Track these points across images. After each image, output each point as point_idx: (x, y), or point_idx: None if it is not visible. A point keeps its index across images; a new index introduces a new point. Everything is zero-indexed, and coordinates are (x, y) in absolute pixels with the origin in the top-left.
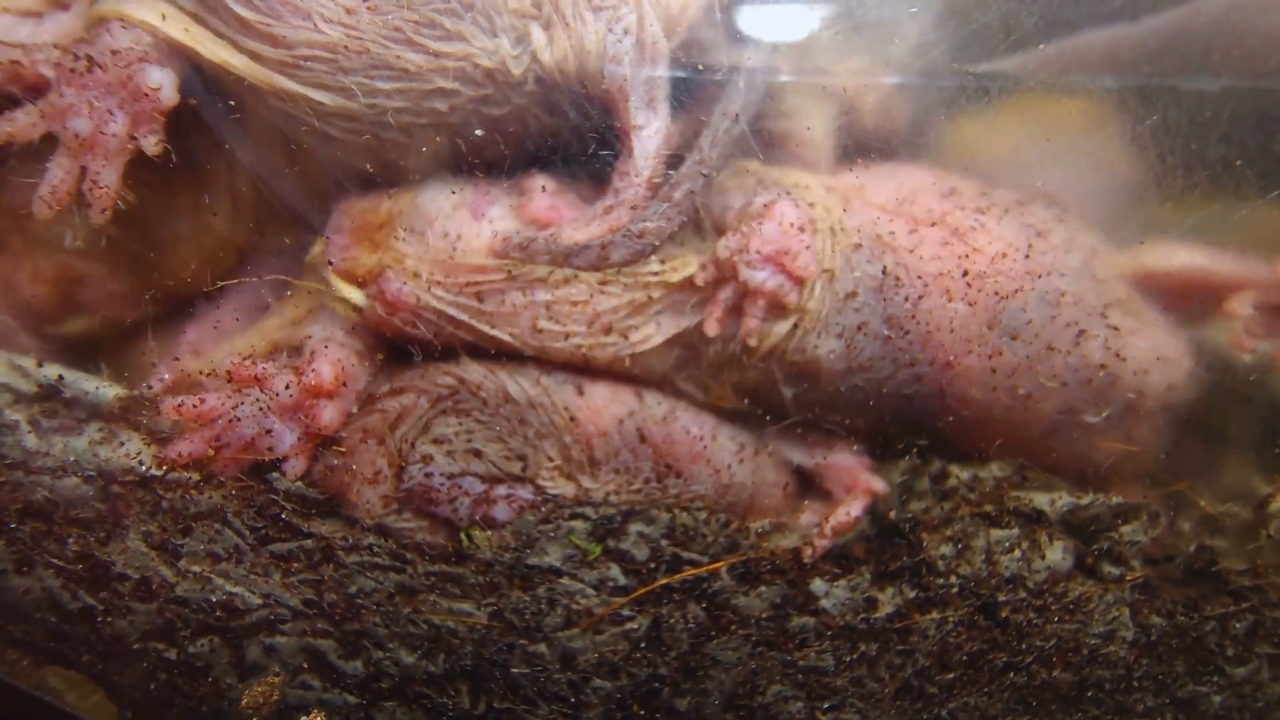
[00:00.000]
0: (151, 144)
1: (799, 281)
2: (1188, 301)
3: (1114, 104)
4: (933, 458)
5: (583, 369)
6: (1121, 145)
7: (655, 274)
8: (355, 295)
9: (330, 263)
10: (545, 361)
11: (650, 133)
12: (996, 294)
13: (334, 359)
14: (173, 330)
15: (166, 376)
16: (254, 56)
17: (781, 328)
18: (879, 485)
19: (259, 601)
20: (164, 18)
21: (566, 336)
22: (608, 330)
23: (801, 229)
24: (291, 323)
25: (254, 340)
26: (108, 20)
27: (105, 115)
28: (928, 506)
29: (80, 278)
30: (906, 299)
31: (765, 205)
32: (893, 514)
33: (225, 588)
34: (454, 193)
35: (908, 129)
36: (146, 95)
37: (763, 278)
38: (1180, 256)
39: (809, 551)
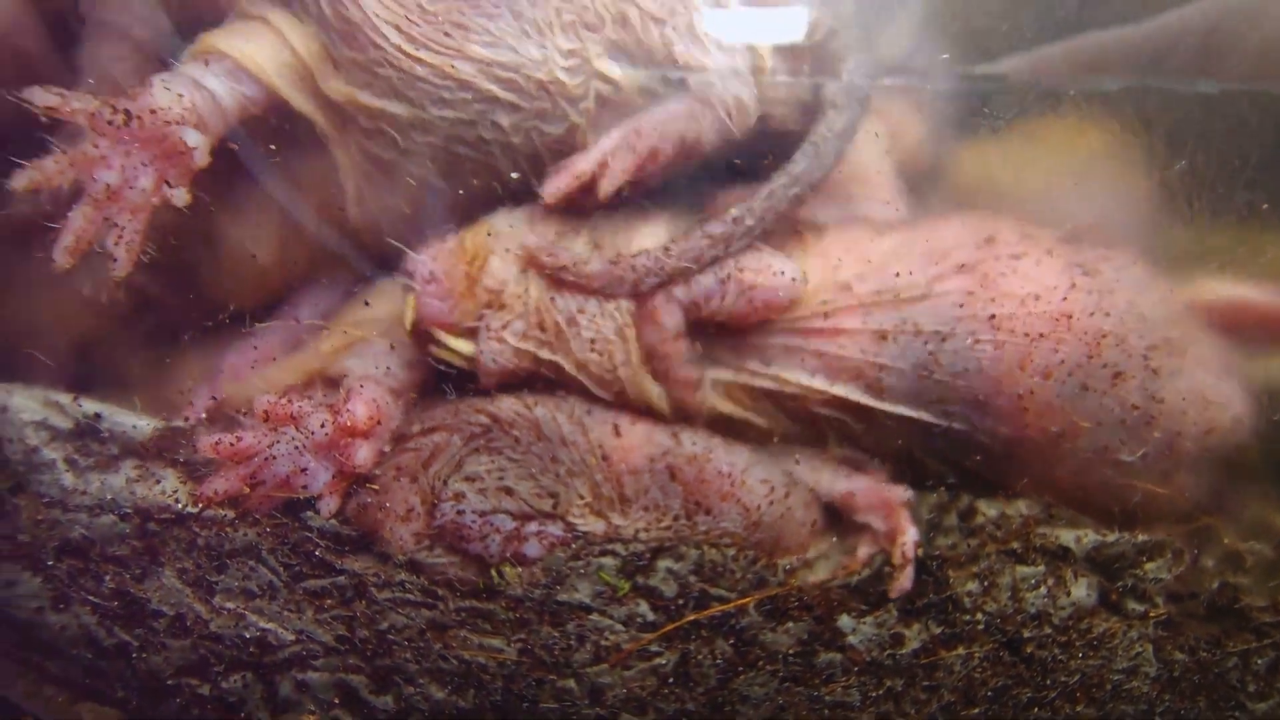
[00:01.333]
0: (180, 195)
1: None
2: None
3: (1143, 133)
4: (961, 494)
5: (624, 406)
6: (1152, 173)
7: None
8: (464, 346)
9: (429, 316)
10: (585, 397)
11: None
12: (1027, 335)
13: (369, 398)
14: (206, 359)
15: (204, 414)
16: (338, 67)
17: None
18: (903, 493)
19: (292, 637)
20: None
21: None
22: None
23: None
24: (327, 355)
25: (289, 374)
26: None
27: (135, 170)
28: (954, 543)
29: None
30: (935, 340)
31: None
32: (920, 550)
33: (259, 624)
34: (511, 226)
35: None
36: (181, 154)
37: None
38: (1230, 288)
39: (896, 588)
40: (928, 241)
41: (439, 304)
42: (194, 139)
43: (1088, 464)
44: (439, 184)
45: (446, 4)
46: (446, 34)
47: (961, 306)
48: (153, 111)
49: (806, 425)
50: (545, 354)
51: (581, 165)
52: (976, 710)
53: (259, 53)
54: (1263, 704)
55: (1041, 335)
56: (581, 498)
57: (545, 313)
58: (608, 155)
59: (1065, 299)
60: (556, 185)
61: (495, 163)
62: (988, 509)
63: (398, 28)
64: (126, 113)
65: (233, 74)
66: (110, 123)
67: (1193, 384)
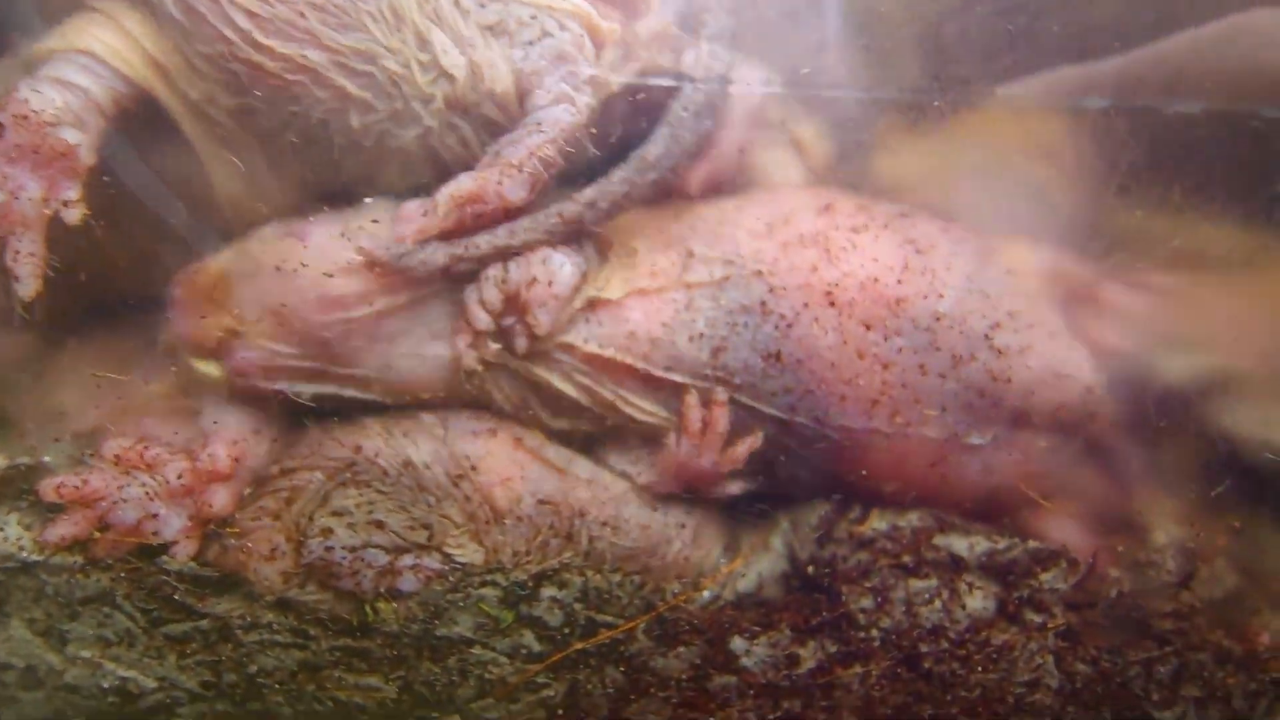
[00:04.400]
0: (74, 216)
1: (531, 335)
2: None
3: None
4: (853, 505)
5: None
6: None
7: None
8: (211, 369)
9: (170, 337)
10: (444, 413)
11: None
12: (864, 323)
13: (229, 439)
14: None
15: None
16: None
17: None
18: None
19: (154, 685)
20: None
21: (424, 360)
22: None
23: (540, 284)
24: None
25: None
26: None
27: (20, 181)
28: (844, 555)
29: None
30: (776, 327)
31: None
32: (810, 569)
33: (117, 672)
34: (262, 243)
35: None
36: (64, 155)
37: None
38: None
39: None
40: (769, 206)
41: (184, 324)
42: (74, 137)
43: (941, 454)
44: (292, 182)
45: None
46: (301, 14)
47: (806, 285)
48: (24, 117)
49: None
50: (329, 365)
51: (428, 224)
52: None
53: (121, 45)
54: (1168, 712)
55: (879, 322)
56: (456, 524)
57: (332, 320)
58: (452, 209)
59: (900, 281)
60: (403, 233)
61: (346, 166)
62: (879, 521)
63: (249, 11)
64: None
65: (94, 69)
66: None
67: (1043, 359)
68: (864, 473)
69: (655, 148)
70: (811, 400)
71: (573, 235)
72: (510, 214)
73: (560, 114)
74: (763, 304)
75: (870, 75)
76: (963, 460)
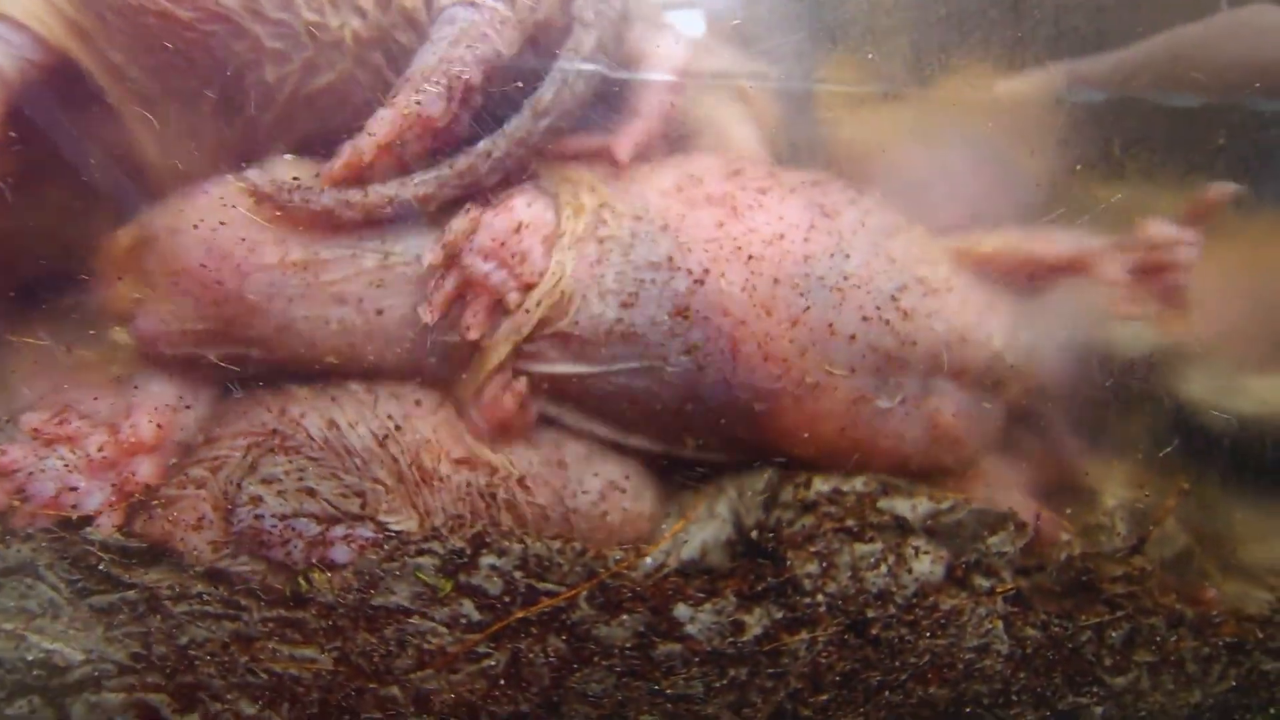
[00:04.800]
0: None
1: (524, 284)
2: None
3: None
4: (797, 471)
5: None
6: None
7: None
8: (123, 337)
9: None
10: (370, 379)
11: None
12: (774, 278)
13: (153, 408)
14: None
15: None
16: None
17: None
18: None
19: (81, 657)
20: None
21: (326, 322)
22: (379, 313)
23: (529, 228)
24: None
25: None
26: None
27: None
28: (789, 519)
29: None
30: (683, 283)
31: (505, 197)
32: (755, 534)
33: (42, 645)
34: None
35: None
36: None
37: (487, 270)
38: (998, 239)
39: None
40: (681, 168)
41: (103, 290)
42: None
43: (851, 415)
44: (215, 142)
45: None
46: None
47: (713, 240)
48: None
49: None
50: (226, 325)
51: (361, 148)
52: (826, 696)
53: (39, 9)
54: (1121, 678)
55: (786, 279)
56: (388, 489)
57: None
58: (381, 134)
59: (807, 239)
60: (334, 170)
61: (265, 122)
62: (822, 484)
63: None
64: None
65: (3, 35)
66: None
67: (951, 325)
68: (776, 434)
69: (547, 93)
70: (720, 358)
71: (469, 188)
72: (441, 133)
73: (463, 14)
74: (670, 259)
75: (812, 29)
76: (875, 422)
